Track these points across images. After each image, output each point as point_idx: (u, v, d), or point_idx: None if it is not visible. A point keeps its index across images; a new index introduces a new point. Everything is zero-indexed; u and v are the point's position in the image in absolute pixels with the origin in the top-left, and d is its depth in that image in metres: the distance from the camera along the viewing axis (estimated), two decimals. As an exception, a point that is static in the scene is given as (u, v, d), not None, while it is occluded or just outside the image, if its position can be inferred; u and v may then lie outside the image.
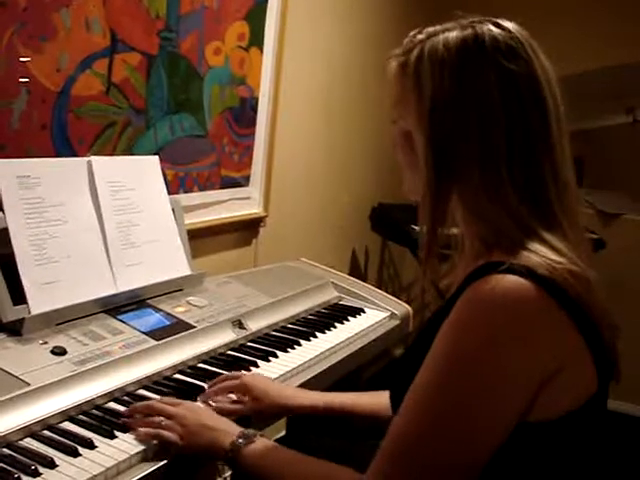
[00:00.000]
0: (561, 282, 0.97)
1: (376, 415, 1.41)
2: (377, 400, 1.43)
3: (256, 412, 1.39)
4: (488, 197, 1.04)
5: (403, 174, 1.19)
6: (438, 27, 1.12)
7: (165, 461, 1.18)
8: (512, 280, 0.96)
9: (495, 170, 1.04)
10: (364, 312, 2.06)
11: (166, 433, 1.20)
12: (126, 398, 1.34)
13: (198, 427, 1.21)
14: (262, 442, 1.19)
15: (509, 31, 1.08)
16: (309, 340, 1.77)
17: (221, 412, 1.33)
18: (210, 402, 1.38)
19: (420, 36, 1.12)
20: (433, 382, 1.00)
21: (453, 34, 1.08)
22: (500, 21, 1.09)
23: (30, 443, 1.14)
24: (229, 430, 1.21)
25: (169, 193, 1.89)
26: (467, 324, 0.98)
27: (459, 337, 0.99)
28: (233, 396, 1.41)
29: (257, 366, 1.57)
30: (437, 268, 1.13)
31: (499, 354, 0.96)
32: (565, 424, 1.00)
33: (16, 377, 1.25)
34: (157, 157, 1.89)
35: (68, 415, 1.24)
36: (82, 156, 1.71)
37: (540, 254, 0.99)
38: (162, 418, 1.23)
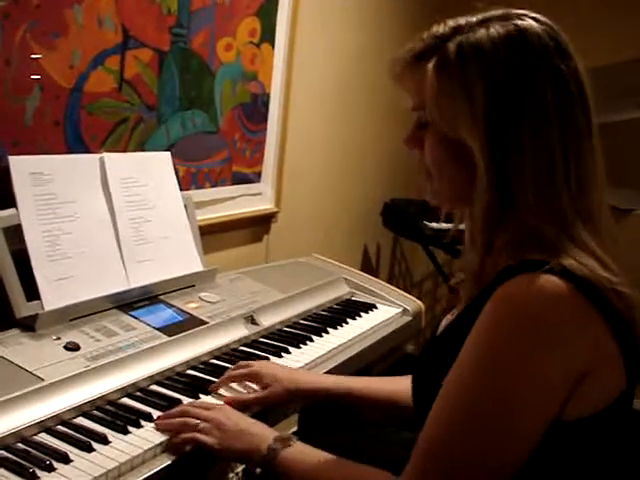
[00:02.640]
0: (596, 283, 0.96)
1: (390, 400, 1.41)
2: (391, 386, 1.43)
3: (267, 400, 1.38)
4: (543, 206, 1.01)
5: (429, 177, 1.14)
6: (462, 21, 1.07)
7: (179, 456, 1.18)
8: (547, 280, 0.95)
9: (551, 173, 1.01)
10: (376, 308, 2.05)
11: (203, 437, 1.19)
12: (139, 394, 1.35)
13: (235, 432, 1.20)
14: (299, 446, 1.18)
15: (551, 27, 1.05)
16: (321, 336, 1.77)
17: (232, 402, 1.34)
18: (220, 392, 1.38)
19: (444, 30, 1.08)
20: (467, 382, 0.99)
21: (494, 30, 1.03)
22: (537, 15, 1.06)
23: (44, 438, 1.15)
24: (265, 434, 1.20)
25: (181, 189, 1.89)
26: (501, 323, 0.97)
27: (493, 336, 0.97)
28: (241, 389, 1.42)
29: (269, 361, 1.57)
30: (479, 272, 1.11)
31: (534, 354, 0.95)
32: (595, 422, 1.00)
33: (30, 372, 1.26)
34: (169, 153, 1.90)
35: (82, 410, 1.24)
36: (94, 152, 1.72)
37: (584, 263, 0.97)
38: (198, 421, 1.22)
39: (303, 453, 1.17)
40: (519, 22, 1.04)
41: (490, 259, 1.08)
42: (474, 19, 1.06)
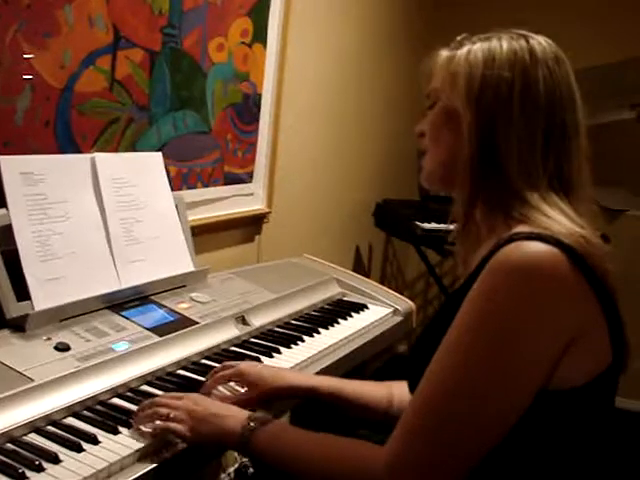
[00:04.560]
0: (582, 252, 1.01)
1: (380, 405, 1.42)
2: (383, 390, 1.44)
3: (255, 399, 1.38)
4: (522, 171, 1.10)
5: (426, 156, 1.23)
6: (482, 36, 1.19)
7: (169, 457, 1.18)
8: (540, 246, 1.00)
9: (532, 150, 1.10)
10: (367, 308, 2.06)
11: (174, 425, 1.19)
12: (129, 394, 1.35)
13: (206, 416, 1.21)
14: (274, 424, 1.20)
15: (555, 46, 1.17)
16: (312, 336, 1.77)
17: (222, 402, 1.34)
18: (211, 396, 1.38)
19: (466, 41, 1.19)
20: (459, 347, 1.02)
21: (505, 39, 1.15)
22: (546, 38, 1.18)
23: (34, 438, 1.15)
24: (238, 415, 1.21)
25: (172, 189, 1.89)
26: (496, 288, 1.00)
27: (487, 301, 1.00)
28: (230, 386, 1.42)
29: (260, 362, 1.57)
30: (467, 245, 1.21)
31: (529, 317, 0.98)
32: (579, 395, 1.02)
33: (20, 373, 1.26)
34: (160, 154, 1.90)
35: (72, 411, 1.24)
36: (86, 153, 1.72)
37: (559, 222, 1.04)
38: (168, 411, 1.22)
39: (280, 430, 1.19)
40: (529, 37, 1.16)
41: (476, 221, 1.17)
42: (492, 34, 1.19)
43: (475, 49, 1.15)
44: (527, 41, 1.15)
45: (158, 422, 1.20)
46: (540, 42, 1.15)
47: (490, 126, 1.11)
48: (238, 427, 1.18)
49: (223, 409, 1.24)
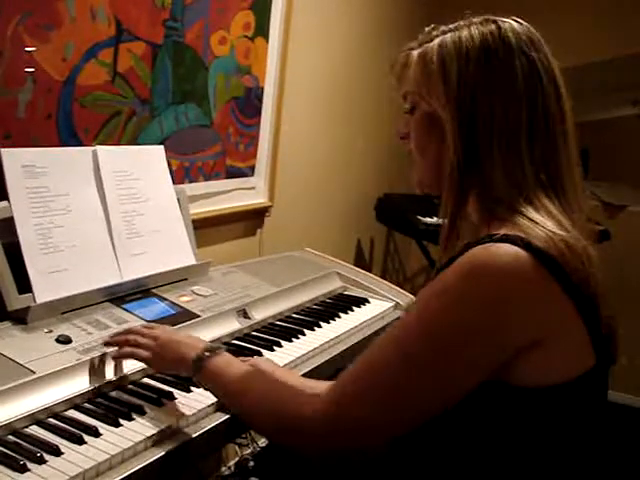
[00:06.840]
0: (556, 255, 1.00)
1: None
2: None
3: None
4: (505, 172, 1.08)
5: (415, 164, 1.22)
6: (452, 25, 1.16)
7: (169, 449, 1.18)
8: (506, 248, 0.99)
9: (516, 144, 1.08)
10: (368, 302, 2.06)
11: (139, 351, 1.29)
12: (131, 387, 1.35)
13: (168, 342, 1.30)
14: (226, 356, 1.26)
15: (528, 27, 1.14)
16: (313, 330, 1.77)
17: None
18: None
19: (435, 32, 1.16)
20: (404, 329, 1.05)
21: (475, 27, 1.12)
22: (517, 19, 1.14)
23: (36, 430, 1.15)
24: (196, 344, 1.28)
25: (174, 183, 1.89)
26: (456, 282, 1.00)
27: (441, 295, 1.01)
28: None
29: (261, 355, 1.57)
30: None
31: (481, 313, 0.98)
32: (555, 394, 1.02)
33: (21, 365, 1.26)
34: (162, 147, 1.90)
35: (73, 403, 1.24)
36: (87, 146, 1.72)
37: (541, 225, 1.02)
38: (135, 337, 1.32)
39: (230, 362, 1.24)
40: (499, 21, 1.13)
41: (461, 224, 1.15)
42: (461, 22, 1.15)
43: (447, 43, 1.12)
44: (498, 27, 1.11)
45: (127, 348, 1.31)
46: (512, 25, 1.12)
47: (471, 125, 1.08)
48: (193, 355, 1.25)
49: (185, 337, 1.33)
